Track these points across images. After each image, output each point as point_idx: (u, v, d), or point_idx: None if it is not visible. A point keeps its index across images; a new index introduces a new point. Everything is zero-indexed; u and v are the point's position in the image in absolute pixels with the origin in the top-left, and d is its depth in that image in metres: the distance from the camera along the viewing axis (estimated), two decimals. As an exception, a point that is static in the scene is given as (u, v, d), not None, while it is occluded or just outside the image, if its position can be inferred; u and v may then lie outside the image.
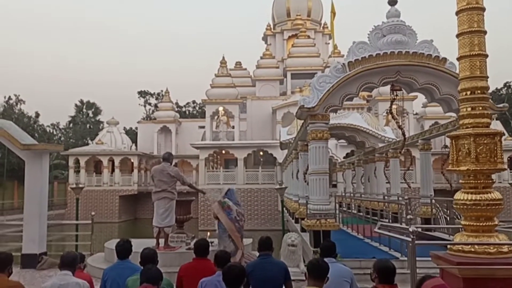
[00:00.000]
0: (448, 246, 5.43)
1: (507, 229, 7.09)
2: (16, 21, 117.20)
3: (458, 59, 5.49)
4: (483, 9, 5.34)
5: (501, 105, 10.10)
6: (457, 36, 5.46)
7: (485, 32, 5.35)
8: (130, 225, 40.34)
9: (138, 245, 6.23)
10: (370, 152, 20.05)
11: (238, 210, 7.76)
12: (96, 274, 7.27)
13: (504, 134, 6.14)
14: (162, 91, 61.86)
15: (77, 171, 42.15)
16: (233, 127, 40.05)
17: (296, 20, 48.53)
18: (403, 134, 13.07)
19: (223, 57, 41.01)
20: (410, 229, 5.40)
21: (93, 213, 11.72)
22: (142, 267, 4.21)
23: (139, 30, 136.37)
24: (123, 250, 4.85)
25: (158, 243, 8.96)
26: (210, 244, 5.43)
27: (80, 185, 15.81)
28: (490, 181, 5.23)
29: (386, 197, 18.02)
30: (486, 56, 5.34)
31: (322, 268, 3.70)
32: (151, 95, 70.79)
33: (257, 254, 5.17)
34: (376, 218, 14.88)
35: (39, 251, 9.47)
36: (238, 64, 49.43)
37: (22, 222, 9.69)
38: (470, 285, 4.82)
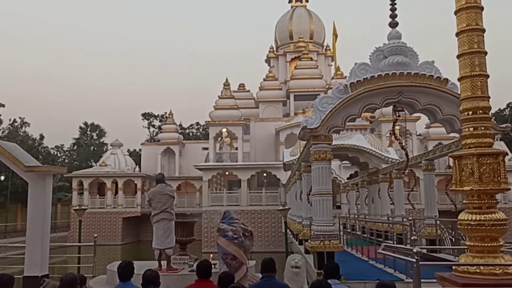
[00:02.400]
0: (453, 267, 5.36)
1: (513, 250, 7.01)
2: (23, 47, 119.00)
3: (459, 79, 5.51)
4: (483, 30, 5.39)
5: (503, 125, 10.11)
6: (458, 57, 5.50)
7: (485, 53, 5.38)
8: (133, 247, 40.09)
9: (141, 267, 6.18)
10: (373, 173, 19.99)
11: (233, 228, 7.64)
12: (98, 297, 7.20)
13: (507, 154, 6.12)
14: (166, 113, 62.14)
15: (81, 193, 42.16)
16: (236, 149, 40.12)
17: (299, 43, 49.07)
18: (406, 154, 13.06)
19: (227, 79, 41.43)
20: (415, 250, 5.35)
21: (95, 235, 11.67)
22: (143, 289, 4.18)
23: (143, 52, 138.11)
24: (125, 272, 4.81)
25: (160, 265, 8.88)
26: (213, 265, 5.38)
27: (83, 207, 15.78)
28: (494, 201, 5.19)
29: (390, 218, 17.88)
30: (487, 76, 5.37)
31: (325, 289, 3.66)
32: (155, 117, 71.18)
33: (260, 276, 5.12)
34: (380, 239, 14.75)
35: (41, 274, 9.39)
36: (241, 86, 49.87)
37: (25, 245, 9.65)
38: (476, 307, 4.75)
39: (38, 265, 9.38)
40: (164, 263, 8.98)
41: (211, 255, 10.56)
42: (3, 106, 54.22)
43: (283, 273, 8.79)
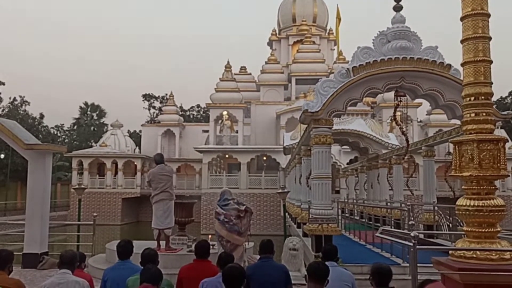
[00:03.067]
0: (450, 252, 5.39)
1: (509, 236, 7.05)
2: (23, 24, 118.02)
3: (462, 64, 5.47)
4: (488, 15, 5.33)
5: (505, 113, 10.07)
6: (462, 41, 5.45)
7: (489, 38, 5.33)
8: (132, 227, 40.35)
9: (140, 247, 6.21)
10: (373, 158, 20.00)
11: (225, 212, 7.64)
12: (97, 274, 7.26)
13: (508, 141, 6.11)
14: (166, 94, 62.03)
15: (81, 173, 42.24)
16: (236, 132, 40.11)
17: (302, 26, 48.61)
18: (407, 139, 13.03)
19: (228, 62, 41.17)
20: (412, 234, 5.38)
21: (95, 214, 11.74)
22: (142, 267, 4.20)
23: (144, 34, 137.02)
24: (124, 250, 4.83)
25: (159, 245, 8.96)
26: (211, 246, 5.41)
27: (83, 186, 15.85)
28: (493, 187, 5.20)
29: (388, 204, 17.95)
30: (491, 62, 5.32)
31: (322, 271, 3.68)
32: (156, 98, 70.93)
33: (258, 257, 5.15)
34: (378, 224, 14.83)
35: (41, 251, 9.47)
36: (243, 69, 49.59)
37: (24, 222, 9.71)
38: (472, 292, 4.78)
39: (37, 243, 9.45)
40: (163, 243, 9.05)
41: (210, 236, 10.63)
42: (3, 84, 53.99)
43: (281, 255, 8.84)
